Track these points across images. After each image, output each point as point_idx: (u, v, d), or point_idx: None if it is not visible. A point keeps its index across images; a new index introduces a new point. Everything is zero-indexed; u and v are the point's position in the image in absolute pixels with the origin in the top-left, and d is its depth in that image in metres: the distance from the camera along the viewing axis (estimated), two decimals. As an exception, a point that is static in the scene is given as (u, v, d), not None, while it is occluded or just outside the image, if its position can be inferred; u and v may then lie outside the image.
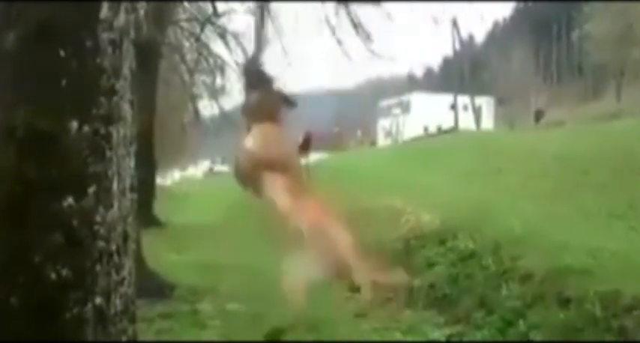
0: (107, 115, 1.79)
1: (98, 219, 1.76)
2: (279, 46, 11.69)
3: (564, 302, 5.37)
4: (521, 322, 5.42)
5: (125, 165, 1.88)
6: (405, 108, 53.73)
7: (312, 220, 2.66)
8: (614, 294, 5.09)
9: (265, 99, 2.85)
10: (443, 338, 5.78)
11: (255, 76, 2.95)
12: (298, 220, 2.65)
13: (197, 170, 54.63)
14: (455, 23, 36.95)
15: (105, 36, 1.80)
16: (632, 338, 4.70)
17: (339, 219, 2.83)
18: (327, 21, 10.96)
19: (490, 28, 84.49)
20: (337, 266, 2.65)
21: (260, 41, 3.63)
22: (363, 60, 12.44)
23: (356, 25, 11.00)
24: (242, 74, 2.96)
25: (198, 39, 16.93)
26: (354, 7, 10.90)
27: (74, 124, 1.71)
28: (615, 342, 4.73)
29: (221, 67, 18.16)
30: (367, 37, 11.18)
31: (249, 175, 2.75)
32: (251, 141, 2.76)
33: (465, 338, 5.73)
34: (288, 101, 2.92)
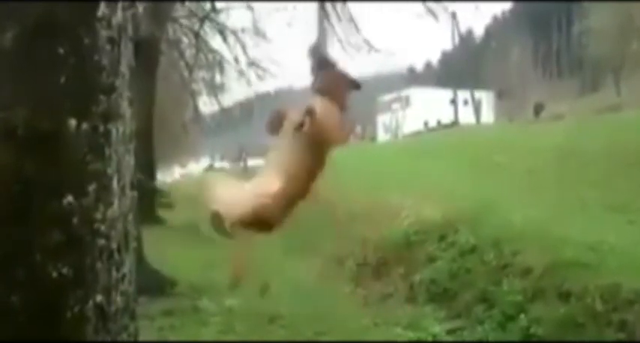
0: (106, 113, 1.79)
1: (98, 216, 1.76)
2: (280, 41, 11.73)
3: (565, 297, 5.38)
4: (521, 316, 5.44)
5: (125, 163, 1.88)
6: (405, 103, 53.69)
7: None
8: (615, 288, 5.10)
9: (335, 79, 2.88)
10: (443, 333, 5.80)
11: (323, 59, 2.98)
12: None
13: (197, 167, 54.63)
14: (454, 17, 36.92)
15: (103, 33, 1.80)
16: (632, 332, 4.71)
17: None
18: (327, 16, 10.98)
19: (489, 22, 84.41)
20: None
21: (323, 29, 3.66)
22: (362, 55, 12.47)
23: (354, 19, 11.05)
24: (310, 57, 2.97)
25: (197, 35, 16.91)
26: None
27: (73, 122, 1.71)
28: (616, 342, 4.74)
29: (220, 63, 18.17)
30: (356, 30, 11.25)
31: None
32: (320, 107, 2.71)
33: (466, 333, 5.74)
34: (354, 84, 2.96)
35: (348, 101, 2.85)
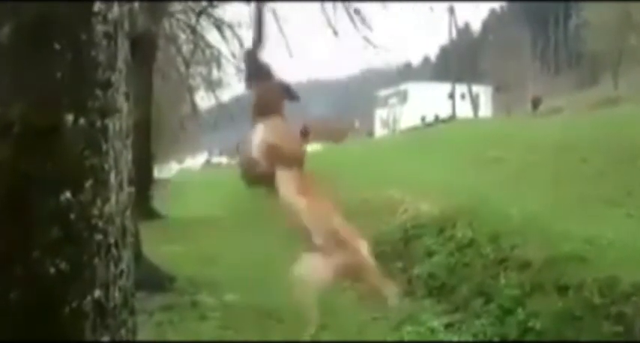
0: (103, 108, 1.79)
1: (96, 212, 1.76)
2: (278, 37, 11.65)
3: (563, 290, 5.40)
4: (519, 310, 5.45)
5: (122, 158, 1.88)
6: (403, 97, 53.57)
7: (329, 229, 2.69)
8: (613, 281, 5.12)
9: (268, 92, 2.82)
10: (441, 327, 5.81)
11: (256, 68, 2.92)
12: (312, 223, 2.68)
13: (195, 162, 54.59)
14: (452, 12, 36.88)
15: (99, 28, 1.80)
16: (630, 324, 4.73)
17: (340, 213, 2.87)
18: (324, 11, 10.95)
19: (487, 16, 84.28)
20: (358, 272, 2.75)
21: (260, 33, 3.56)
22: (359, 50, 12.44)
23: (352, 14, 11.00)
24: (243, 65, 2.94)
25: (194, 30, 16.84)
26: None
27: (70, 118, 1.71)
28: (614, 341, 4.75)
29: (217, 59, 18.09)
30: (362, 22, 11.18)
31: (262, 171, 2.70)
32: (263, 134, 2.71)
33: (464, 327, 5.76)
34: (290, 93, 2.90)
35: (283, 111, 2.80)
